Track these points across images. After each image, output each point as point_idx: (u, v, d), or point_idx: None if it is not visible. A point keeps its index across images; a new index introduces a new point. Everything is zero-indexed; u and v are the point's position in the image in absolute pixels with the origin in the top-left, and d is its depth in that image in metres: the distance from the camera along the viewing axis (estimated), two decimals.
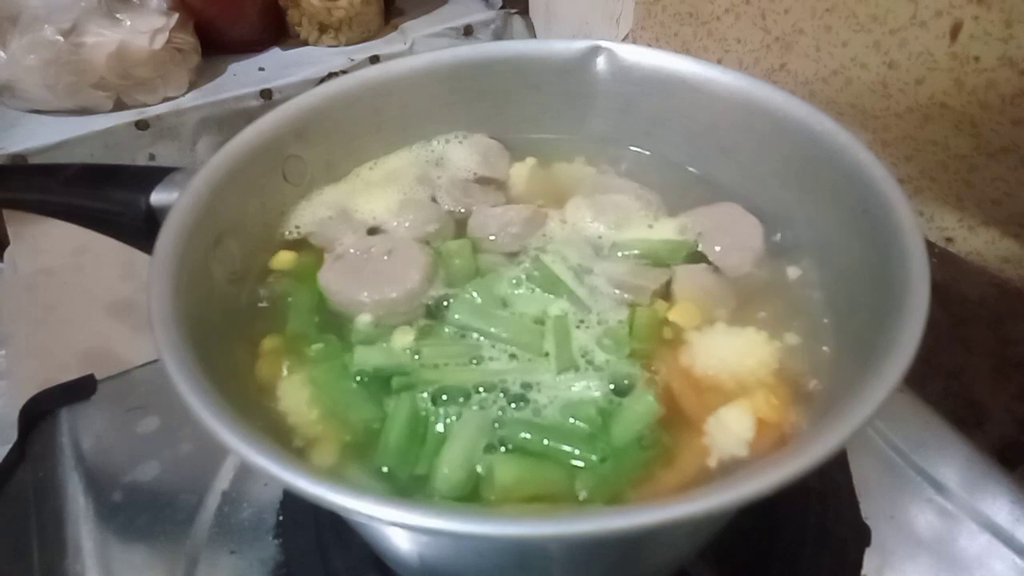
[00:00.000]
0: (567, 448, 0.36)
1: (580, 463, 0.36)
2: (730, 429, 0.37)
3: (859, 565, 0.49)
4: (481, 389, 0.39)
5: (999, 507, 0.51)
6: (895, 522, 0.51)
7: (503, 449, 0.37)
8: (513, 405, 0.38)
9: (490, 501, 0.35)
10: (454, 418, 0.38)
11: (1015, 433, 0.64)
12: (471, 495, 0.36)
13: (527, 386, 0.39)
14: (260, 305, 0.44)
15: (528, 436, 0.37)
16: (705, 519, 0.27)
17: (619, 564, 0.39)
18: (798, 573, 0.48)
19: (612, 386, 0.39)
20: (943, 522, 0.51)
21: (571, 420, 0.37)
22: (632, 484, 0.35)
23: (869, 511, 0.51)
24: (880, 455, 0.55)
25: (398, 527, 0.27)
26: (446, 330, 0.42)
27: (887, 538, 0.50)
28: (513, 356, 0.40)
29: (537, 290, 0.44)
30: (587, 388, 0.39)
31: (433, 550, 0.39)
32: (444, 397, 0.39)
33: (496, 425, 0.37)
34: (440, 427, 0.37)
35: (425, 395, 0.39)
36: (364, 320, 0.43)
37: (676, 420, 0.38)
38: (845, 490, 0.52)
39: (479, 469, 0.36)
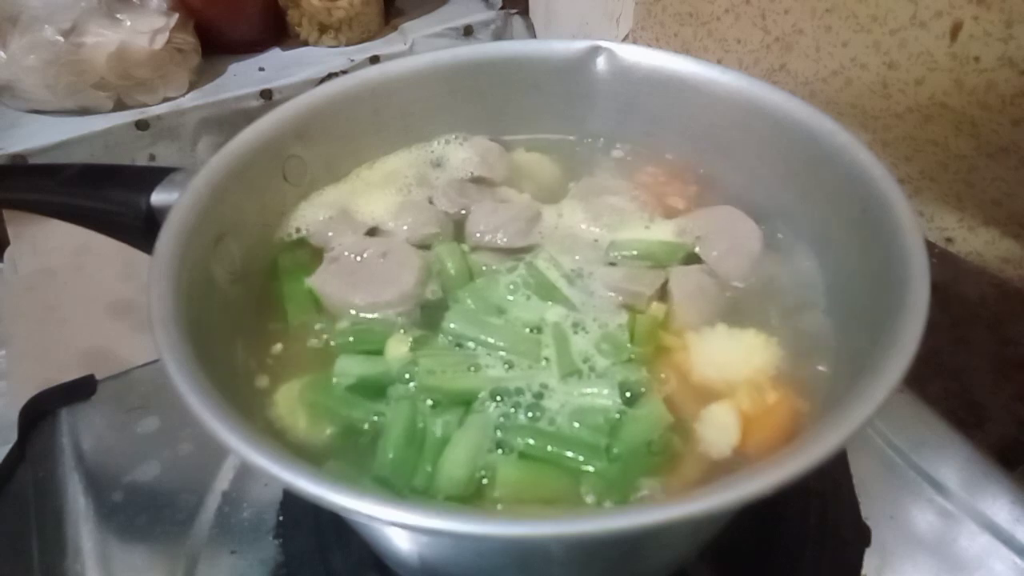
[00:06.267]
0: (572, 454, 0.36)
1: (587, 468, 0.36)
2: (716, 425, 0.37)
3: (859, 565, 0.49)
4: (499, 397, 0.38)
5: (999, 507, 0.51)
6: (895, 522, 0.51)
7: (503, 451, 0.37)
8: (530, 414, 0.38)
9: (493, 502, 0.35)
10: (454, 425, 0.37)
11: (1015, 433, 0.64)
12: (474, 496, 0.35)
13: (539, 394, 0.39)
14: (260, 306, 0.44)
15: (532, 441, 0.37)
16: (705, 519, 0.27)
17: (619, 564, 0.39)
18: (798, 573, 0.48)
19: (628, 394, 0.38)
20: (943, 522, 0.51)
21: (577, 425, 0.37)
22: (638, 490, 0.35)
23: (869, 511, 0.51)
24: (880, 455, 0.55)
25: (398, 527, 0.27)
26: (441, 340, 0.42)
27: (887, 538, 0.50)
28: (509, 364, 0.40)
29: (533, 297, 0.44)
30: (597, 395, 0.38)
31: (433, 550, 0.39)
32: (444, 405, 0.38)
33: (498, 432, 0.37)
34: (439, 436, 0.37)
35: (425, 403, 0.38)
36: (344, 325, 0.43)
37: (680, 425, 0.38)
38: (845, 490, 0.52)
39: (482, 471, 0.36)
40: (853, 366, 0.35)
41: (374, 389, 0.39)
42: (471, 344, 0.41)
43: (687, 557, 0.45)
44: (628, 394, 0.38)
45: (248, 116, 0.59)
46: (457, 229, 0.49)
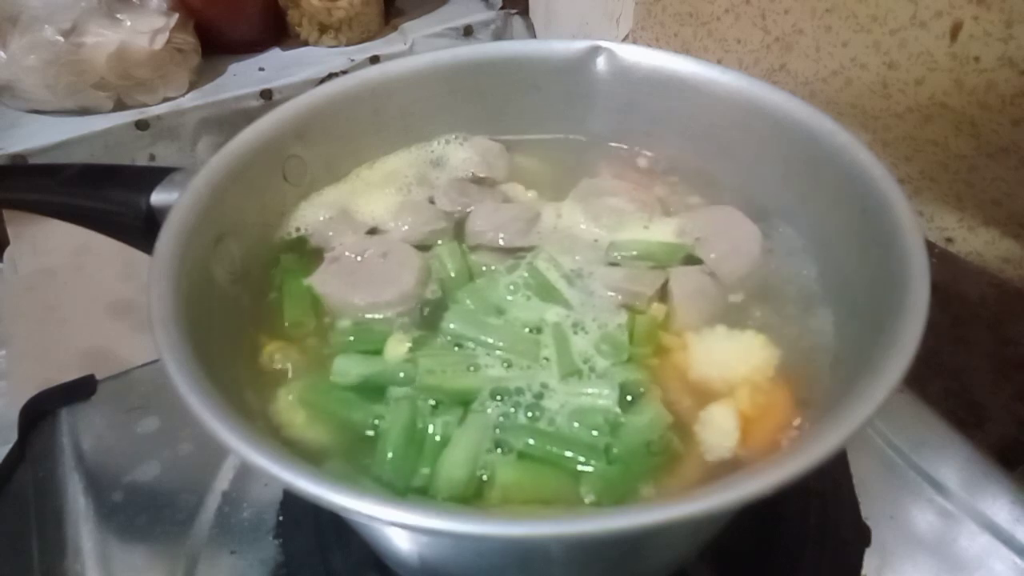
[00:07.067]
0: (571, 454, 0.36)
1: (587, 468, 0.36)
2: (715, 426, 0.37)
3: (859, 565, 0.49)
4: (499, 397, 0.38)
5: (999, 507, 0.51)
6: (895, 522, 0.51)
7: (502, 451, 0.37)
8: (529, 414, 0.38)
9: (493, 502, 0.35)
10: (454, 425, 0.37)
11: (1015, 433, 0.64)
12: (474, 497, 0.35)
13: (539, 394, 0.39)
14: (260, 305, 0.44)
15: (532, 441, 0.37)
16: (705, 519, 0.27)
17: (619, 564, 0.39)
18: (798, 573, 0.48)
19: (629, 397, 0.38)
20: (943, 522, 0.51)
21: (576, 425, 0.37)
22: (637, 491, 0.35)
23: (869, 511, 0.51)
24: (880, 455, 0.55)
25: (398, 527, 0.27)
26: (440, 340, 0.42)
27: (887, 538, 0.50)
28: (508, 364, 0.40)
29: (533, 297, 0.44)
30: (597, 395, 0.38)
31: (433, 550, 0.39)
32: (444, 405, 0.38)
33: (498, 432, 0.37)
34: (438, 436, 0.37)
35: (425, 403, 0.38)
36: (343, 324, 0.43)
37: (680, 425, 0.38)
38: (845, 490, 0.52)
39: (481, 471, 0.36)
40: (853, 366, 0.35)
41: (373, 389, 0.39)
42: (470, 344, 0.41)
43: (687, 557, 0.45)
44: (628, 395, 0.38)
45: (248, 116, 0.59)
46: (457, 229, 0.49)
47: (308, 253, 0.47)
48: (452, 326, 0.42)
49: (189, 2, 1.04)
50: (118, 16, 0.96)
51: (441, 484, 0.35)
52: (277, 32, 1.17)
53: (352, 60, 1.13)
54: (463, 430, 0.37)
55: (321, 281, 0.44)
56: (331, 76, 1.08)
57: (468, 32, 1.21)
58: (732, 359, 0.40)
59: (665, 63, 0.50)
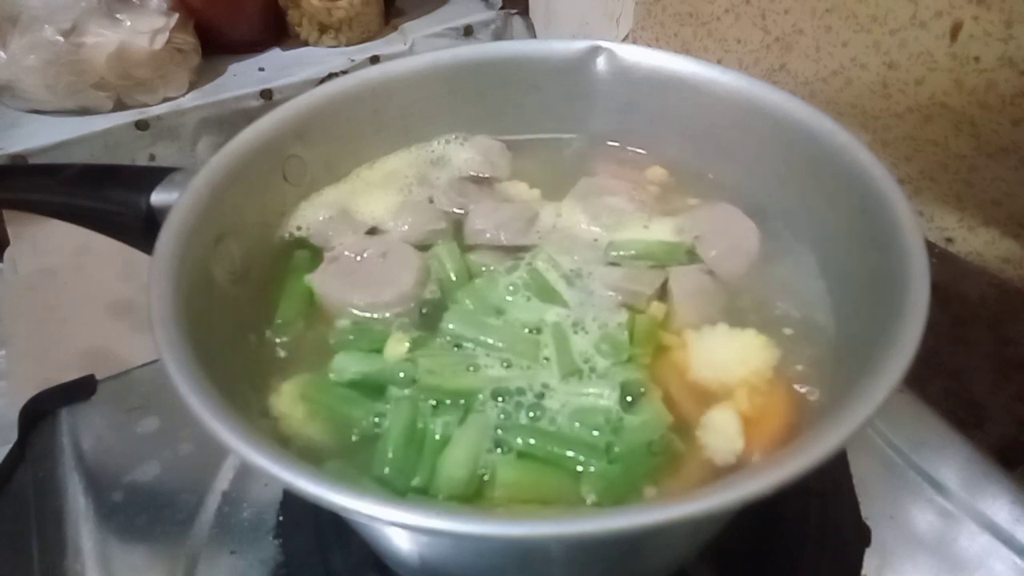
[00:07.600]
0: (572, 454, 0.36)
1: (588, 468, 0.36)
2: (720, 432, 0.37)
3: (859, 565, 0.49)
4: (500, 397, 0.38)
5: (999, 507, 0.51)
6: (895, 522, 0.51)
7: (502, 451, 0.37)
8: (531, 413, 0.38)
9: (494, 502, 0.35)
10: (454, 425, 0.37)
11: (1015, 433, 0.64)
12: (474, 496, 0.35)
13: (540, 394, 0.39)
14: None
15: (533, 441, 0.37)
16: (705, 519, 0.27)
17: (619, 564, 0.39)
18: (798, 573, 0.48)
19: (630, 397, 0.38)
20: (943, 522, 0.51)
21: (577, 425, 0.37)
22: (639, 490, 0.35)
23: (869, 511, 0.51)
24: (880, 455, 0.55)
25: (398, 527, 0.27)
26: (439, 340, 0.42)
27: (887, 538, 0.50)
28: (508, 364, 0.40)
29: (533, 298, 0.44)
30: (598, 395, 0.38)
31: (433, 550, 0.39)
32: (445, 403, 0.38)
33: (499, 431, 0.37)
34: (438, 436, 0.37)
35: (425, 403, 0.38)
36: (342, 324, 0.43)
37: (681, 425, 0.38)
38: (845, 490, 0.52)
39: (482, 471, 0.36)
40: (853, 366, 0.35)
41: (373, 388, 0.39)
42: (470, 345, 0.41)
43: (687, 557, 0.45)
44: (628, 395, 0.38)
45: (248, 116, 0.59)
46: (457, 229, 0.49)
47: (307, 253, 0.47)
48: (451, 326, 0.42)
49: (189, 2, 1.04)
50: (118, 16, 0.96)
51: (441, 484, 0.35)
52: (277, 32, 1.17)
53: (352, 60, 1.13)
54: (463, 430, 0.37)
55: (320, 281, 0.44)
56: (331, 76, 1.08)
57: (468, 32, 1.21)
58: (732, 358, 0.40)
59: (665, 63, 0.50)
